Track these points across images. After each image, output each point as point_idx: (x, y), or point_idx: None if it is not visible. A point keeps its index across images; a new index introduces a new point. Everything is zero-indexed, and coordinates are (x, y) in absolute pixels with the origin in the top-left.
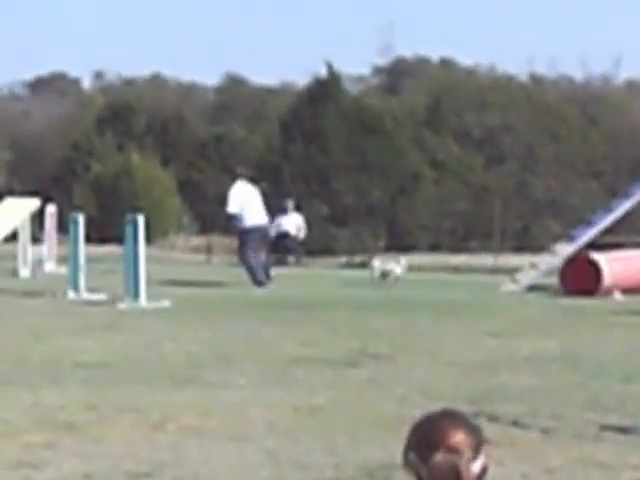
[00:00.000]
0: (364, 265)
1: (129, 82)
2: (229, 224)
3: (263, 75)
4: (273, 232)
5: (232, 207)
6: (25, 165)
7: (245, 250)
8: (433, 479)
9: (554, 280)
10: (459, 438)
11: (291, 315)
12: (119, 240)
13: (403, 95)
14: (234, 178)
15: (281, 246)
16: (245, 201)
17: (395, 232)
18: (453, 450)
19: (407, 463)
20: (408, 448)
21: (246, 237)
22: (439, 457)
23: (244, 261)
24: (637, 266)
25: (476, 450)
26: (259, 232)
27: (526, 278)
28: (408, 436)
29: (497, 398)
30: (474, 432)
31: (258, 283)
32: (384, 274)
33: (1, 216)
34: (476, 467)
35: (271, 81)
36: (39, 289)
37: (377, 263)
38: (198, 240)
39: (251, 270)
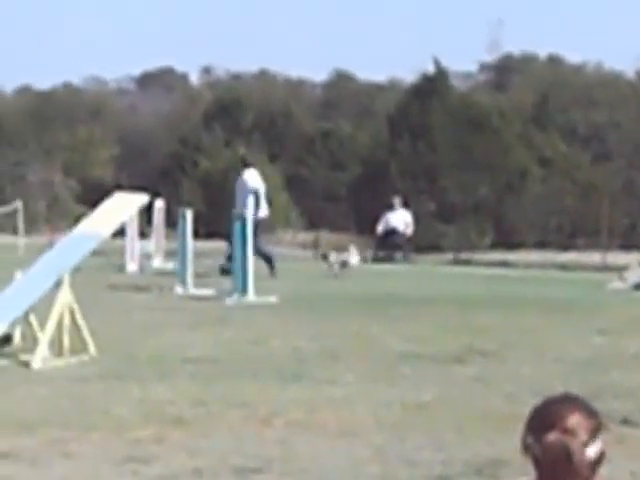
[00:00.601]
0: (468, 262)
1: (237, 77)
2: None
3: (371, 71)
4: (381, 228)
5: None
6: (133, 160)
7: (260, 239)
8: (545, 459)
9: None
10: (575, 420)
11: (398, 311)
12: (226, 236)
13: (510, 92)
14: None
15: (389, 242)
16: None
17: (502, 229)
18: (568, 431)
19: (525, 447)
20: (526, 431)
21: (260, 228)
22: (552, 437)
23: (262, 250)
24: None
25: (592, 435)
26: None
27: (634, 276)
28: (527, 419)
29: (605, 396)
30: (592, 416)
31: (274, 273)
32: (343, 264)
33: (110, 211)
34: (591, 452)
35: (379, 77)
36: (147, 284)
37: (333, 256)
38: (305, 235)
39: (271, 258)
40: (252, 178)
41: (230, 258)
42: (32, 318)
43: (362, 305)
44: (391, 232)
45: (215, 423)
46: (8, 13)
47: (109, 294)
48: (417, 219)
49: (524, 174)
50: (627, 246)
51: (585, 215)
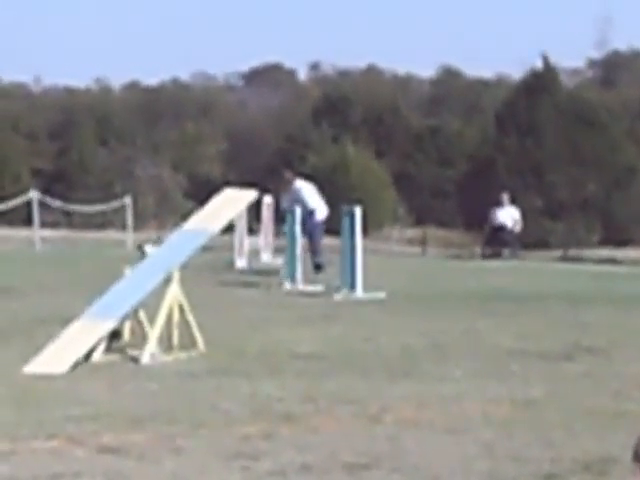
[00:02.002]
0: (576, 259)
1: (344, 73)
2: (309, 219)
3: (478, 67)
4: (489, 225)
5: (312, 203)
6: (240, 156)
7: (319, 241)
8: None
9: None
10: None
11: (507, 308)
12: (335, 232)
13: (618, 88)
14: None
15: (497, 239)
16: (316, 197)
17: (610, 226)
18: None
19: (636, 456)
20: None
21: (319, 230)
22: None
23: (320, 252)
24: None
25: None
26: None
27: None
28: None
29: None
30: None
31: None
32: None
33: (219, 207)
34: None
35: (486, 73)
36: (255, 280)
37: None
38: (413, 232)
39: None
40: (307, 189)
41: (315, 253)
42: (141, 314)
43: (471, 301)
44: (499, 229)
45: (324, 419)
46: (116, 9)
47: (218, 290)
48: (525, 216)
49: (632, 170)
50: None
51: None
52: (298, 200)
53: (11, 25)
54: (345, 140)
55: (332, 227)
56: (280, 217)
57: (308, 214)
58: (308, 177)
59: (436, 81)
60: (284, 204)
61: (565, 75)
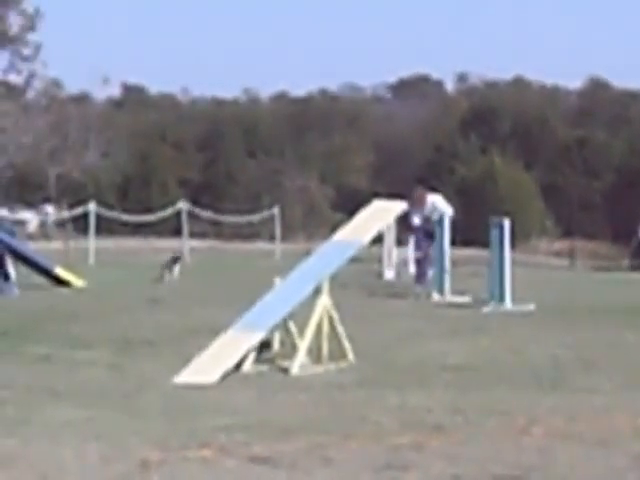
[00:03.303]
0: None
1: (492, 85)
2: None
3: (626, 79)
4: (637, 237)
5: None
6: (388, 167)
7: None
8: None
9: None
10: None
11: None
12: (483, 243)
13: None
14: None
15: None
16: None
17: None
18: None
19: None
20: None
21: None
22: None
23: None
24: None
25: None
26: None
27: None
28: None
29: None
30: None
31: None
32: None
33: (368, 218)
34: None
35: (634, 85)
36: (404, 291)
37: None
38: (561, 244)
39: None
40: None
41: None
42: (291, 324)
43: (618, 314)
44: None
45: (473, 431)
46: (264, 19)
47: (367, 301)
48: None
49: None
50: None
51: None
52: (433, 212)
53: (160, 36)
54: (493, 151)
55: (481, 239)
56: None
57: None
58: (433, 189)
59: (583, 92)
60: (415, 221)
61: None
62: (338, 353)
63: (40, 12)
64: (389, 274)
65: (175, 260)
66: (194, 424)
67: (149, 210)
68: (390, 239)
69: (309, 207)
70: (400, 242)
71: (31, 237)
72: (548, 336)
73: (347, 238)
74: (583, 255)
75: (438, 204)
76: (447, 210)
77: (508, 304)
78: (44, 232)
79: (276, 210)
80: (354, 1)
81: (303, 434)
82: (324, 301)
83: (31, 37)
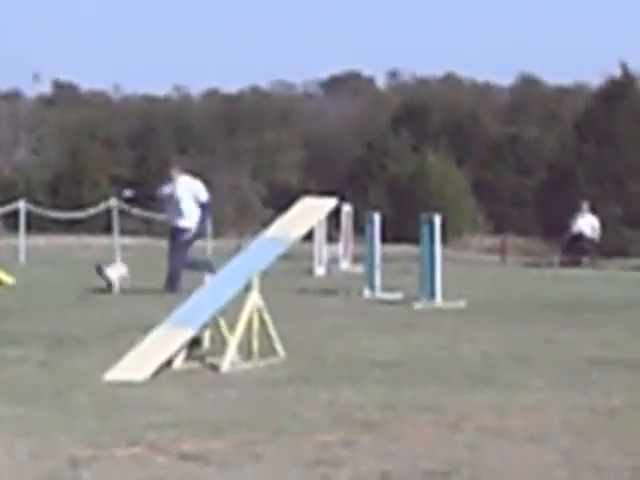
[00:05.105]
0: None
1: (423, 82)
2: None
3: (557, 75)
4: (569, 233)
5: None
6: (319, 164)
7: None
8: None
9: None
10: None
11: (587, 316)
12: (414, 240)
13: None
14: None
15: (576, 247)
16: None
17: None
18: None
19: None
20: None
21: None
22: None
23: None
24: None
25: None
26: None
27: None
28: None
29: None
30: None
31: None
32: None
33: (299, 215)
34: None
35: (565, 81)
36: (335, 288)
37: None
38: (492, 240)
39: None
40: (199, 186)
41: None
42: (221, 321)
43: (550, 310)
44: (578, 237)
45: (404, 427)
46: (195, 17)
47: (297, 298)
48: (604, 224)
49: None
50: None
51: None
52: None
53: (90, 34)
54: (425, 148)
55: (411, 235)
56: (360, 226)
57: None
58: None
59: (515, 89)
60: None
61: None
62: (269, 350)
63: None
64: (320, 271)
65: (99, 270)
66: (124, 421)
67: (80, 207)
68: (321, 236)
69: (240, 204)
70: (331, 239)
71: None
72: (479, 332)
73: (277, 235)
74: (514, 251)
75: (195, 187)
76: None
77: (439, 300)
78: None
79: None
80: None
81: (233, 431)
82: (254, 298)
83: None
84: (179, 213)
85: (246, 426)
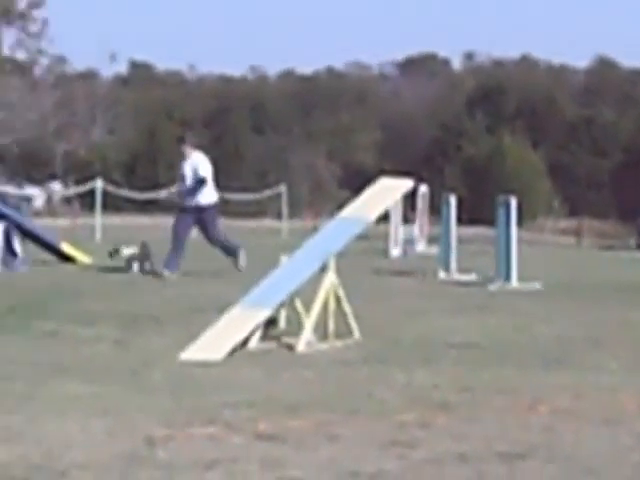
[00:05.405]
0: None
1: (499, 63)
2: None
3: (634, 58)
4: None
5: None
6: (395, 145)
7: (215, 228)
8: None
9: None
10: None
11: None
12: (489, 222)
13: None
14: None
15: None
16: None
17: None
18: None
19: None
20: None
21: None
22: None
23: (218, 240)
24: None
25: None
26: None
27: None
28: None
29: None
30: None
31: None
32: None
33: (375, 196)
34: None
35: None
36: (410, 269)
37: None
38: (567, 223)
39: (231, 248)
40: (202, 163)
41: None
42: (297, 302)
43: (626, 292)
44: None
45: (480, 409)
46: None
47: (373, 278)
48: None
49: None
50: None
51: None
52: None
53: (167, 13)
54: (500, 130)
55: (487, 217)
56: (435, 207)
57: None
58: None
59: (591, 71)
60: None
61: None
62: (344, 330)
63: None
64: (395, 252)
65: (115, 252)
66: (200, 401)
67: (156, 187)
68: (397, 217)
69: (316, 185)
70: (406, 220)
71: (37, 214)
72: (555, 314)
73: (354, 215)
74: (590, 234)
75: (200, 166)
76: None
77: (514, 282)
78: (50, 209)
79: (283, 188)
80: None
81: (309, 411)
82: (330, 278)
83: (38, 13)
84: (186, 191)
85: (322, 406)
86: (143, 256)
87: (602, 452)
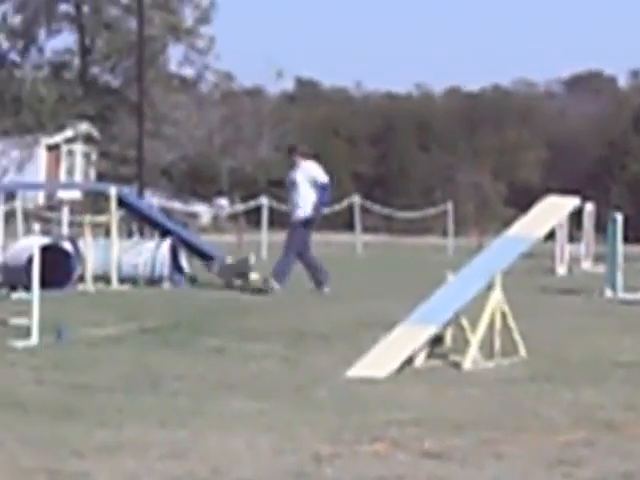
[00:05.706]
0: None
1: None
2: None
3: None
4: None
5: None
6: (561, 163)
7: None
8: None
9: None
10: None
11: None
12: None
13: None
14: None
15: None
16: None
17: None
18: None
19: None
20: None
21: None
22: None
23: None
24: None
25: None
26: None
27: None
28: None
29: None
30: None
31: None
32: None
33: (541, 214)
34: None
35: None
36: (576, 287)
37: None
38: None
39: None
40: (317, 169)
41: None
42: (463, 319)
43: None
44: None
45: None
46: (438, 14)
47: (539, 296)
48: None
49: None
50: None
51: None
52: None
53: (333, 30)
54: None
55: None
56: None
57: None
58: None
59: None
60: None
61: None
62: (510, 348)
63: (215, 5)
64: (561, 270)
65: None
66: (366, 418)
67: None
68: (562, 235)
69: (481, 202)
70: (572, 238)
71: (204, 230)
72: None
73: (520, 233)
74: None
75: (313, 171)
76: (322, 177)
77: None
78: (217, 225)
79: (449, 205)
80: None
81: (475, 429)
82: (497, 296)
83: (205, 30)
84: (297, 201)
85: (487, 424)
86: (243, 270)
87: None
